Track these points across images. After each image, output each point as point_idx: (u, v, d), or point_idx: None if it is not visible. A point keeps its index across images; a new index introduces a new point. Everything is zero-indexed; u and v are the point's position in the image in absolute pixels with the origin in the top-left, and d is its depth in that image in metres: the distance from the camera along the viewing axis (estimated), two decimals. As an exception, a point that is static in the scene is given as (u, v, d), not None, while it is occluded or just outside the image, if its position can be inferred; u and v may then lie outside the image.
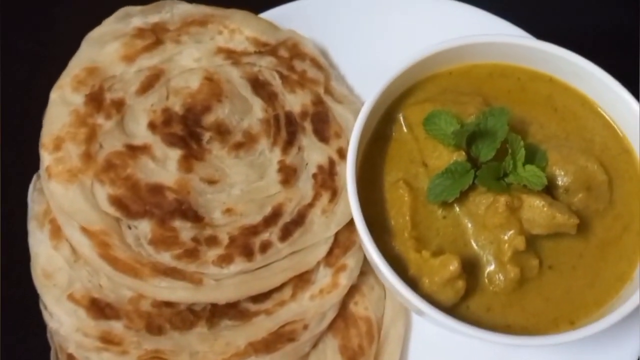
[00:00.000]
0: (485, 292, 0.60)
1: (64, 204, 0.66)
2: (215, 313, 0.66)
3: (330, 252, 0.69)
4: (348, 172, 0.60)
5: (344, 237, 0.70)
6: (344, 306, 0.69)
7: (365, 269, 0.70)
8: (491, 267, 0.60)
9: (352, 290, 0.69)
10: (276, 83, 0.76)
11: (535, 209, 0.58)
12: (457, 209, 0.61)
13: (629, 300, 0.56)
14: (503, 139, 0.59)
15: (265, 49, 0.78)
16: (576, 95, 0.66)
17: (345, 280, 0.67)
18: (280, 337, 0.65)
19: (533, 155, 0.60)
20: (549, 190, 0.61)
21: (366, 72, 0.77)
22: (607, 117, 0.65)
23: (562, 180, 0.61)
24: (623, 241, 0.61)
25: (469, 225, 0.61)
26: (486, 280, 0.60)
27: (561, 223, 0.58)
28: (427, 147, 0.63)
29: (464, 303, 0.59)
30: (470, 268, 0.60)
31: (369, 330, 0.68)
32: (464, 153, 0.60)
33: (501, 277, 0.59)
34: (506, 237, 0.59)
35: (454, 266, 0.56)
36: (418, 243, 0.60)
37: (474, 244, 0.60)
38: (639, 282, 0.57)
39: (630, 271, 0.60)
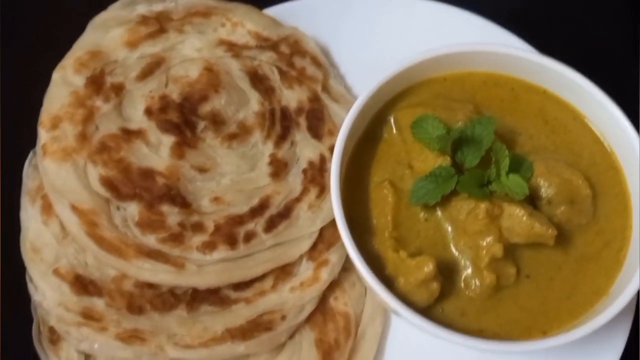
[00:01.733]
0: (461, 296, 0.60)
1: (56, 182, 0.68)
2: (196, 298, 0.67)
3: (314, 247, 0.70)
4: (333, 169, 0.61)
5: (329, 234, 0.70)
6: (324, 300, 0.69)
7: (348, 265, 0.71)
8: (468, 272, 0.60)
9: (334, 285, 0.70)
10: (274, 78, 0.77)
11: (515, 217, 0.58)
12: (439, 212, 0.62)
13: (602, 314, 0.56)
14: (488, 147, 0.59)
15: (267, 43, 0.79)
16: (568, 109, 0.67)
17: (326, 275, 0.68)
18: (258, 326, 0.66)
19: (519, 166, 0.61)
20: (532, 201, 0.61)
21: (366, 72, 0.76)
22: (597, 132, 0.66)
23: (545, 192, 0.61)
24: (603, 257, 0.61)
25: (450, 229, 0.61)
26: (462, 285, 0.60)
27: (539, 233, 0.58)
28: (414, 150, 0.63)
29: (438, 305, 0.60)
30: (448, 272, 0.60)
31: (346, 326, 0.68)
32: (449, 158, 0.61)
33: (477, 283, 0.60)
34: (484, 244, 0.59)
35: (428, 268, 0.57)
36: (397, 243, 0.61)
37: (453, 249, 0.61)
38: (614, 298, 0.58)
39: (607, 287, 0.60)
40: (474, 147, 0.60)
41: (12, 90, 0.77)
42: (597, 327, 0.55)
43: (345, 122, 0.63)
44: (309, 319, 0.68)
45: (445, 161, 0.61)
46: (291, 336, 0.67)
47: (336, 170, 0.61)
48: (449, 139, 0.58)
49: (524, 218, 0.58)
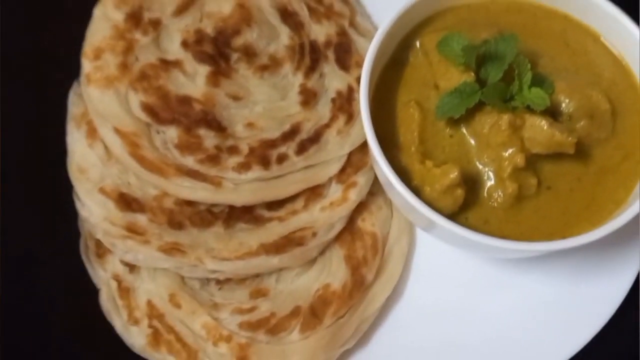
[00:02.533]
0: (484, 206, 0.63)
1: (100, 107, 0.72)
2: (232, 216, 0.71)
3: (342, 170, 0.73)
4: (362, 89, 0.64)
5: (357, 158, 0.74)
6: (352, 221, 0.73)
7: (375, 189, 0.74)
8: (491, 183, 0.63)
9: (361, 207, 0.73)
10: (304, 14, 0.80)
11: (537, 127, 0.61)
12: (464, 128, 0.65)
13: (622, 215, 0.59)
14: (511, 63, 0.62)
15: (297, -20, 0.82)
16: (589, 32, 0.69)
17: (354, 196, 0.72)
18: (290, 242, 0.70)
19: (541, 83, 0.63)
20: (554, 116, 0.64)
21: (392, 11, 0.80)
22: (616, 54, 0.68)
23: (566, 108, 0.64)
24: (621, 169, 0.64)
25: (473, 143, 0.64)
26: (485, 195, 0.63)
27: (560, 141, 0.60)
28: (439, 70, 0.66)
29: (462, 215, 0.63)
30: (472, 184, 0.63)
31: (373, 244, 0.72)
32: (473, 74, 0.64)
33: (500, 193, 0.63)
34: (507, 155, 0.62)
35: (453, 174, 0.60)
36: (423, 157, 0.64)
37: (476, 162, 0.64)
38: (634, 203, 0.60)
39: (626, 197, 0.63)
40: (497, 62, 0.62)
41: (54, 27, 0.81)
42: (618, 226, 0.58)
43: (372, 45, 0.66)
44: (338, 237, 0.72)
45: (469, 77, 0.63)
46: (322, 252, 0.71)
47: (365, 90, 0.63)
48: (474, 51, 0.61)
49: (545, 127, 0.60)
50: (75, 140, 0.73)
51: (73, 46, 0.76)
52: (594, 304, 0.70)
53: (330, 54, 0.79)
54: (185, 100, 0.73)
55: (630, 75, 0.67)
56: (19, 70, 0.78)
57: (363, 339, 0.69)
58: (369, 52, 0.65)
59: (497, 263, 0.72)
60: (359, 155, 0.74)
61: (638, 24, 0.66)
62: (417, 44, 0.69)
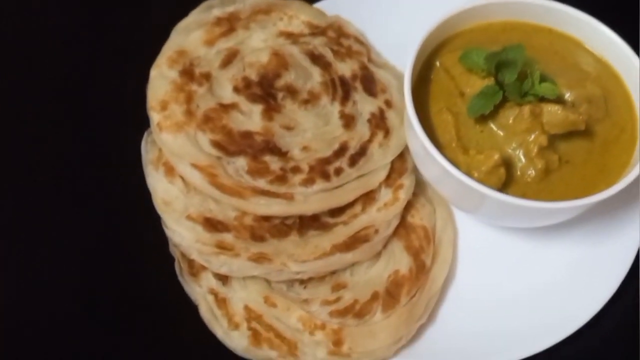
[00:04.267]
0: (520, 183, 0.76)
1: (175, 149, 0.82)
2: (303, 225, 0.81)
3: (388, 176, 0.85)
4: (406, 91, 0.77)
5: (398, 165, 0.86)
6: (403, 218, 0.84)
7: (417, 190, 0.86)
8: (523, 163, 0.77)
9: (408, 206, 0.85)
10: (329, 55, 0.94)
11: (552, 113, 0.75)
12: (491, 124, 0.78)
13: (629, 175, 0.73)
14: (522, 65, 0.77)
15: (317, 30, 0.96)
16: (571, 40, 0.85)
17: (403, 195, 0.84)
18: (357, 240, 0.80)
19: (546, 80, 0.78)
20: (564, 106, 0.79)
21: (394, 48, 0.96)
22: (596, 54, 0.84)
23: (569, 97, 0.79)
24: (621, 140, 0.79)
25: (502, 134, 0.78)
26: (519, 173, 0.76)
27: (573, 120, 0.75)
28: (462, 81, 0.80)
29: (503, 191, 0.75)
30: (506, 167, 0.76)
31: (426, 235, 0.83)
32: (493, 79, 0.78)
33: (531, 170, 0.76)
34: (532, 138, 0.76)
35: (497, 155, 0.73)
36: (465, 149, 0.77)
37: (507, 149, 0.78)
38: (636, 162, 0.75)
39: (629, 159, 0.77)
40: (511, 66, 0.77)
41: (107, 93, 0.93)
42: (628, 183, 0.72)
43: (407, 68, 0.79)
44: (395, 232, 0.83)
45: (490, 81, 0.78)
46: (385, 246, 0.82)
47: (409, 91, 0.77)
48: (494, 58, 0.76)
49: (560, 111, 0.75)
50: (156, 180, 0.82)
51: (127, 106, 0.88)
52: (612, 262, 0.83)
53: (358, 85, 0.92)
54: (247, 135, 0.84)
55: (610, 67, 0.83)
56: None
57: (432, 316, 0.80)
58: (407, 72, 0.79)
59: (527, 237, 0.85)
60: (399, 162, 0.86)
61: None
62: (437, 63, 0.84)
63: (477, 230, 0.86)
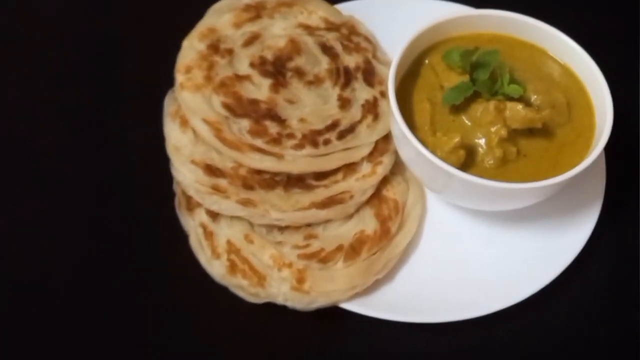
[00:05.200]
0: (479, 167, 0.87)
1: (191, 105, 0.96)
2: (289, 183, 0.93)
3: (371, 153, 0.96)
4: (389, 84, 0.89)
5: (382, 146, 0.97)
6: (379, 191, 0.95)
7: (396, 170, 0.97)
8: (483, 151, 0.87)
9: (385, 181, 0.96)
10: (338, 48, 1.07)
11: (514, 109, 0.86)
12: (462, 115, 0.89)
13: (574, 169, 0.83)
14: (495, 68, 0.88)
15: (332, 26, 1.10)
16: (547, 54, 0.96)
17: (381, 170, 0.95)
18: (334, 201, 0.91)
19: (514, 83, 0.89)
20: (528, 106, 0.89)
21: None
22: (568, 67, 0.94)
23: (535, 101, 0.89)
24: (576, 143, 0.88)
25: (470, 124, 0.89)
26: (480, 159, 0.87)
27: (531, 117, 0.85)
28: (443, 76, 0.92)
29: (464, 172, 0.86)
30: (470, 152, 0.87)
31: (395, 207, 0.94)
32: (467, 77, 0.90)
33: (490, 157, 0.87)
34: (494, 130, 0.86)
35: (457, 138, 0.84)
36: (434, 132, 0.88)
37: (473, 137, 0.88)
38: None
39: (580, 161, 0.86)
40: (485, 67, 0.88)
41: (154, 57, 1.08)
42: (580, 170, 0.82)
43: (392, 64, 0.91)
44: (369, 201, 0.94)
45: (465, 79, 0.89)
46: (357, 210, 0.93)
47: (392, 90, 0.88)
48: (469, 55, 0.88)
49: (520, 108, 0.86)
50: (171, 129, 0.96)
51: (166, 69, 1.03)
52: (561, 250, 0.93)
53: (359, 75, 1.05)
54: (254, 102, 0.97)
55: (578, 81, 0.93)
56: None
57: (389, 275, 0.90)
58: (392, 65, 0.91)
59: (486, 221, 0.95)
60: (383, 143, 0.97)
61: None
62: (427, 61, 0.96)
63: (445, 212, 0.97)
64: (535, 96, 0.90)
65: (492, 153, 0.87)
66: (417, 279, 0.91)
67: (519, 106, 0.86)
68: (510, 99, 0.88)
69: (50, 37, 1.15)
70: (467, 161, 0.87)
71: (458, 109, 0.90)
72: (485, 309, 0.87)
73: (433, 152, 0.86)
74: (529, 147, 0.89)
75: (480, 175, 0.86)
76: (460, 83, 0.89)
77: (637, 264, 0.94)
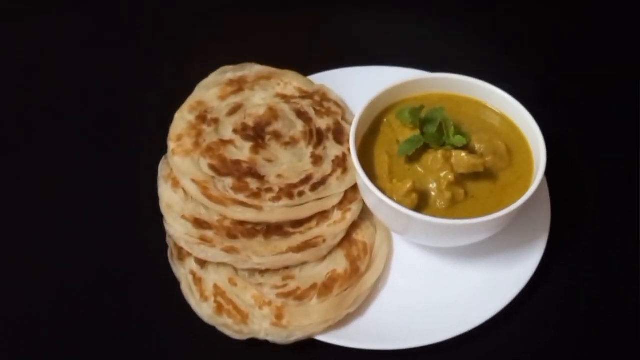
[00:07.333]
0: (432, 208, 0.99)
1: (181, 168, 1.10)
2: (269, 231, 1.05)
3: (341, 202, 1.09)
4: (351, 145, 1.02)
5: (350, 195, 1.10)
6: (349, 235, 1.07)
7: (364, 216, 1.10)
8: (435, 194, 1.00)
9: (355, 226, 1.08)
10: (311, 113, 1.22)
11: (459, 157, 0.98)
12: (416, 164, 1.03)
13: (514, 204, 0.95)
14: (441, 122, 1.02)
15: (305, 94, 1.25)
16: (490, 109, 1.10)
17: (350, 217, 1.07)
18: (308, 245, 1.03)
19: (458, 134, 1.03)
20: (472, 153, 1.02)
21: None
22: (510, 120, 1.08)
23: (479, 149, 1.03)
24: (517, 185, 1.00)
25: (422, 172, 1.02)
26: (432, 202, 0.99)
27: (474, 163, 0.98)
28: (399, 132, 1.06)
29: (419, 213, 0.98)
30: (423, 195, 0.99)
31: (364, 248, 1.06)
32: (419, 131, 1.03)
33: (441, 200, 0.99)
34: (443, 175, 0.99)
35: (410, 183, 0.97)
36: (391, 180, 1.01)
37: (425, 183, 1.01)
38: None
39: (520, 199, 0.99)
40: (433, 122, 1.02)
41: (150, 128, 1.24)
42: (515, 208, 0.94)
43: (355, 120, 1.05)
44: (341, 244, 1.05)
45: (416, 133, 1.03)
46: (330, 253, 1.05)
47: (353, 147, 1.02)
48: (417, 112, 1.02)
49: (464, 155, 0.99)
50: (164, 190, 1.10)
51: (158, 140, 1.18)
52: (509, 280, 1.03)
53: (330, 135, 1.19)
54: (237, 162, 1.11)
55: (515, 128, 1.07)
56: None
57: (360, 308, 1.00)
58: (353, 125, 1.05)
59: (446, 257, 1.07)
60: (351, 193, 1.10)
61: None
62: (385, 120, 1.10)
63: (409, 250, 1.08)
64: (479, 145, 1.03)
65: (442, 196, 0.99)
66: (386, 310, 1.01)
67: (463, 153, 1.00)
68: (456, 148, 1.01)
69: (61, 113, 1.31)
70: (422, 204, 0.99)
71: (412, 159, 1.03)
72: (447, 333, 0.97)
73: (390, 197, 0.99)
74: (476, 189, 1.01)
75: (434, 216, 0.98)
76: (412, 136, 1.02)
77: (577, 297, 1.04)
